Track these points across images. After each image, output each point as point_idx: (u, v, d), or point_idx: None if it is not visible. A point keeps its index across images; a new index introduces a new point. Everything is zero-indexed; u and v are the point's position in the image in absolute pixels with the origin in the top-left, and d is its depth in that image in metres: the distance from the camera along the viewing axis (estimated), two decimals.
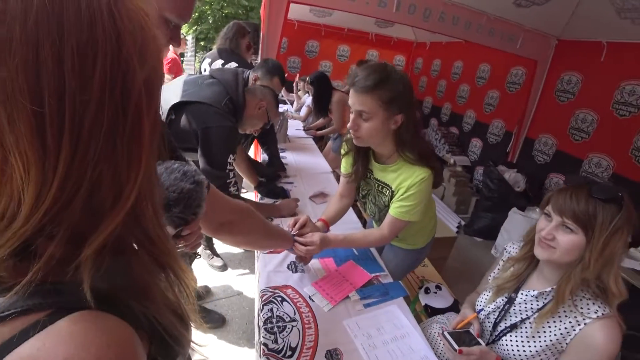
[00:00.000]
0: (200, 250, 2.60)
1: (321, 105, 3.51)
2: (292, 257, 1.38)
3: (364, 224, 1.82)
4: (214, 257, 2.59)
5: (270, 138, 2.40)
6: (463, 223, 3.58)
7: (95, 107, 0.28)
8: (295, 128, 3.58)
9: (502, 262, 1.14)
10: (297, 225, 1.20)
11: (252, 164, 2.15)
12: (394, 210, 1.22)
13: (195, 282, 0.39)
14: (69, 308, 0.30)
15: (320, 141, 4.21)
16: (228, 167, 1.46)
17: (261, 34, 2.81)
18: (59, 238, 0.30)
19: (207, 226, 0.81)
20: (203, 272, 2.47)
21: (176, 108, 1.43)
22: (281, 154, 2.65)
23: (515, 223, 3.01)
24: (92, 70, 0.28)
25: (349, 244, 1.30)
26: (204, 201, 0.65)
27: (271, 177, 2.16)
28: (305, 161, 2.61)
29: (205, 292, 2.28)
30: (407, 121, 1.11)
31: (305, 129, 3.67)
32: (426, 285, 1.75)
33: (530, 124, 3.76)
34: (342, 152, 1.37)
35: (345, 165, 1.40)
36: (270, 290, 1.20)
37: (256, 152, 3.37)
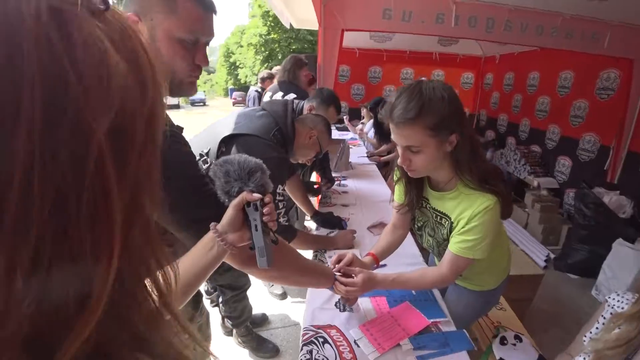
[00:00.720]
0: None
1: (382, 131, 3.42)
2: None
3: (427, 257, 1.64)
4: (274, 284, 2.58)
5: (324, 162, 2.44)
6: (553, 256, 3.08)
7: (20, 190, 0.19)
8: (358, 155, 3.52)
9: (602, 318, 0.89)
10: (341, 264, 1.11)
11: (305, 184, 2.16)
12: (454, 245, 1.05)
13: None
14: None
15: (386, 167, 4.08)
16: (278, 197, 1.44)
17: (318, 63, 2.88)
18: None
19: (235, 257, 0.77)
20: (262, 298, 2.47)
21: (226, 141, 1.47)
22: (342, 182, 2.64)
23: (621, 258, 2.48)
24: (11, 129, 0.18)
25: (400, 286, 1.15)
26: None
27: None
28: (366, 188, 2.51)
29: (262, 320, 2.26)
30: (462, 140, 0.97)
31: (369, 155, 3.59)
32: (502, 334, 1.48)
33: (632, 135, 3.17)
34: (394, 179, 1.26)
35: (398, 194, 1.28)
36: (313, 329, 1.10)
37: (318, 179, 3.39)
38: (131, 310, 0.27)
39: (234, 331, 2.01)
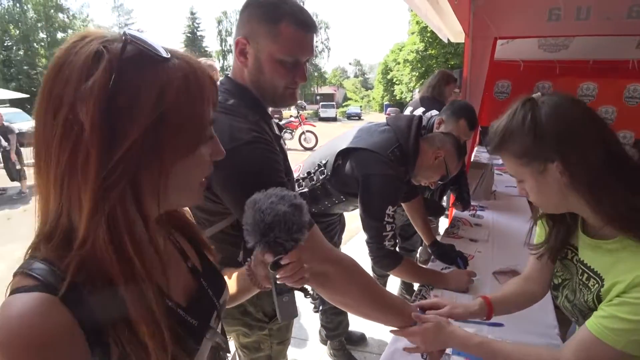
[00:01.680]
0: None
1: None
2: None
3: (566, 330, 1.23)
4: None
5: (462, 181, 2.19)
6: None
7: (60, 135, 0.40)
8: (506, 184, 2.99)
9: None
10: (422, 302, 0.94)
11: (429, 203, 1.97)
12: (596, 321, 0.72)
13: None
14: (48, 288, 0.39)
15: None
16: (386, 218, 1.36)
17: (463, 76, 2.61)
18: (54, 242, 0.42)
19: None
20: None
21: (343, 154, 1.47)
22: (478, 212, 2.30)
23: None
24: (61, 106, 0.40)
25: (485, 356, 0.86)
26: (306, 228, 0.62)
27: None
28: (505, 224, 2.11)
29: (360, 340, 2.17)
30: (571, 168, 0.72)
31: None
32: None
33: None
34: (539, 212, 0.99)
35: (539, 235, 0.99)
36: None
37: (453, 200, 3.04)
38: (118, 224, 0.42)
39: (329, 342, 2.00)
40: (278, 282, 0.64)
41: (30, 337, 0.36)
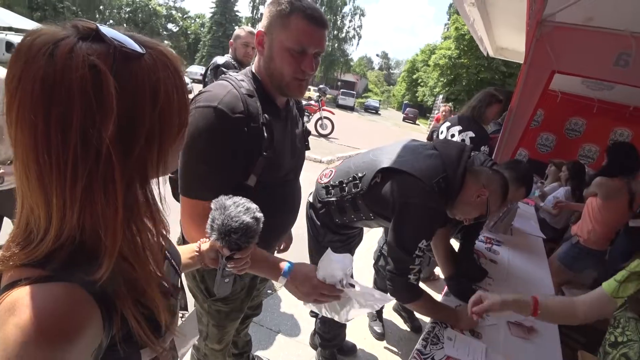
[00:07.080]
0: (367, 312, 2.48)
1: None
2: None
3: None
4: (377, 320, 2.41)
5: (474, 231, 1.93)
6: None
7: (73, 158, 0.39)
8: (525, 220, 2.87)
9: None
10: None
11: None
12: None
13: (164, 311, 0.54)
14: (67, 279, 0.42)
15: (554, 243, 3.28)
16: (417, 252, 1.27)
17: (510, 105, 2.49)
18: (54, 264, 0.43)
19: None
20: (360, 330, 2.34)
21: (383, 173, 1.38)
22: (495, 247, 2.19)
23: None
24: (70, 130, 0.38)
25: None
26: (258, 235, 0.77)
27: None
28: (521, 267, 2.01)
29: (350, 350, 2.12)
30: None
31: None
32: None
33: None
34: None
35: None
36: None
37: None
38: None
39: (319, 349, 1.96)
40: (227, 268, 0.78)
41: (67, 328, 0.39)
